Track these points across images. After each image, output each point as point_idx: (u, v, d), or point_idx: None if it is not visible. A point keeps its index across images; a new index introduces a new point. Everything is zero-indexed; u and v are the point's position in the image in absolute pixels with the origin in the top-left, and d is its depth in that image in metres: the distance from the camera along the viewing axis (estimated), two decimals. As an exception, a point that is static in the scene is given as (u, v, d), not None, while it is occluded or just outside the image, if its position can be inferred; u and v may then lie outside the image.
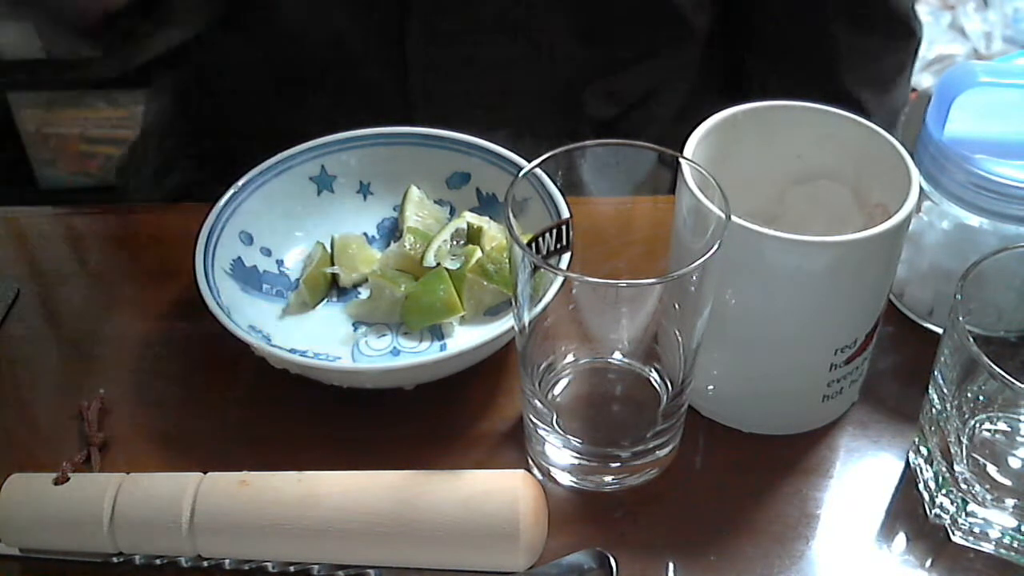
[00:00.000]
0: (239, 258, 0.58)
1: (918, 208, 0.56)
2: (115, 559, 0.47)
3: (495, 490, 0.45)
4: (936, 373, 0.46)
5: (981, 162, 0.51)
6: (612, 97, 0.78)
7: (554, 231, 0.47)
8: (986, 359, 0.41)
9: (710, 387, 0.52)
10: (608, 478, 0.49)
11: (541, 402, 0.48)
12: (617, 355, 0.51)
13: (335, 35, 0.74)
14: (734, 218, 0.43)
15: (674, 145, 0.46)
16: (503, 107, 0.75)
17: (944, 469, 0.47)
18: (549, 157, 0.46)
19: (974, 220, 0.53)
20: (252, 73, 0.79)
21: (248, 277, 0.58)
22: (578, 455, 0.49)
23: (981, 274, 0.45)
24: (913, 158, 0.49)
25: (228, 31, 0.76)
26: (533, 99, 0.77)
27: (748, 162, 0.52)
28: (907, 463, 0.51)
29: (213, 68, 0.81)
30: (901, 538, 0.48)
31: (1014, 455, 0.48)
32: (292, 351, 0.54)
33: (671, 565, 0.47)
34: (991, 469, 0.46)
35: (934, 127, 0.52)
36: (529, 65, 0.75)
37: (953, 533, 0.48)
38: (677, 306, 0.45)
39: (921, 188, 0.53)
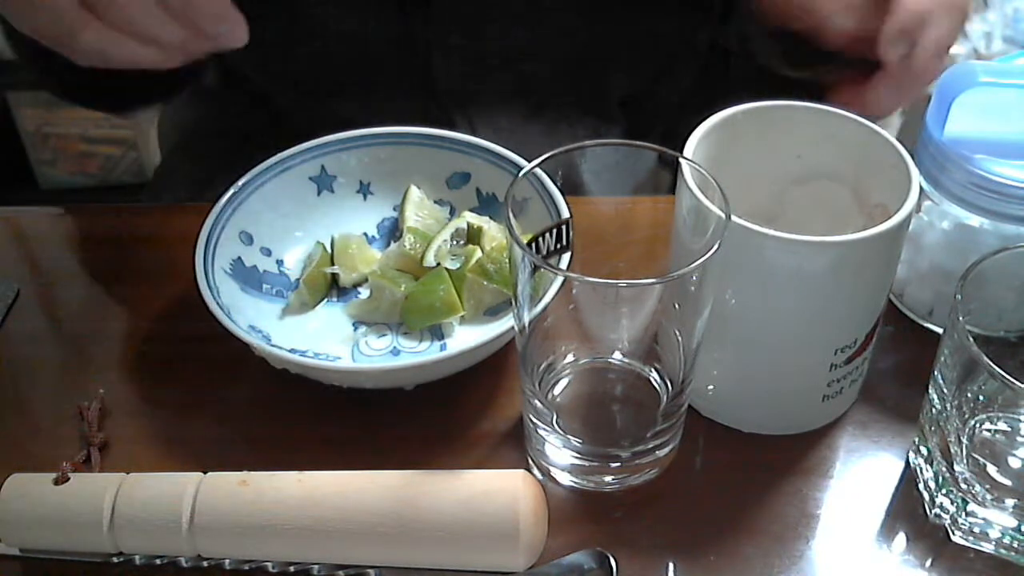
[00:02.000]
0: (239, 258, 0.58)
1: (918, 208, 0.56)
2: (115, 559, 0.47)
3: (495, 490, 0.45)
4: (936, 373, 0.46)
5: (981, 162, 0.51)
6: (629, 73, 0.78)
7: (554, 231, 0.47)
8: (986, 359, 0.41)
9: (710, 387, 0.52)
10: (608, 478, 0.49)
11: (541, 402, 0.48)
12: (617, 355, 0.51)
13: (355, 34, 0.74)
14: (734, 218, 0.43)
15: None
16: (524, 93, 0.75)
17: (944, 469, 0.47)
18: (549, 157, 0.46)
19: (974, 220, 0.53)
20: (275, 83, 0.79)
21: (248, 277, 0.58)
22: (578, 455, 0.49)
23: (981, 274, 0.45)
24: (913, 158, 0.48)
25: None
26: (551, 80, 0.77)
27: (748, 162, 0.52)
28: (907, 463, 0.51)
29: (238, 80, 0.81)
30: (901, 538, 0.48)
31: (1014, 455, 0.48)
32: (292, 351, 0.54)
33: (671, 565, 0.47)
34: (991, 469, 0.46)
35: (934, 127, 0.52)
36: (546, 46, 0.75)
37: (953, 533, 0.48)
38: (677, 306, 0.45)
39: (921, 188, 0.53)
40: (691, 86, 0.80)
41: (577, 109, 0.76)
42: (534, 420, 0.49)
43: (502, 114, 0.71)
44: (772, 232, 0.44)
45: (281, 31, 0.76)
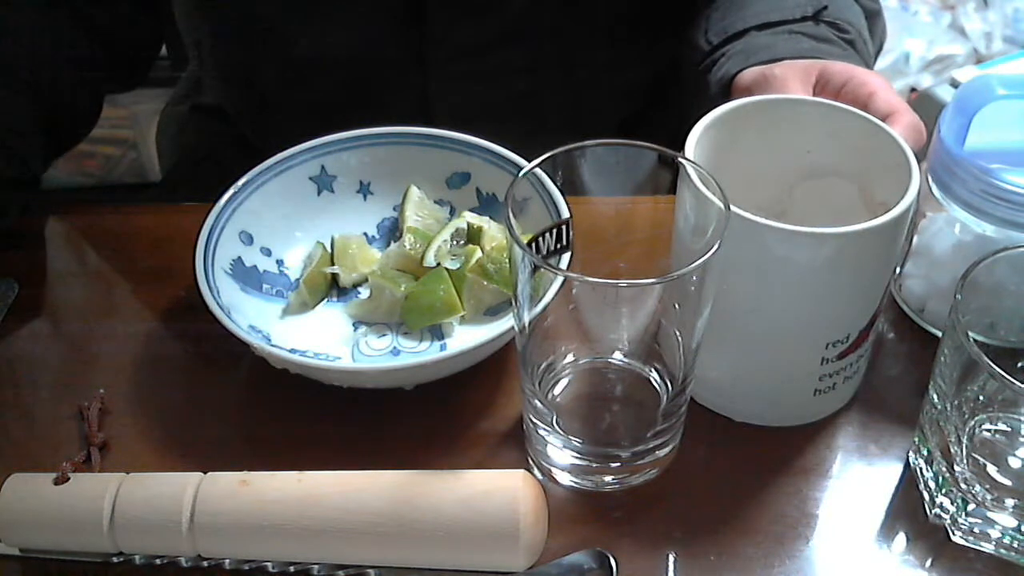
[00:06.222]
0: (239, 258, 0.58)
1: (921, 212, 0.56)
2: (115, 559, 0.47)
3: (495, 490, 0.45)
4: (936, 373, 0.46)
5: (998, 172, 0.50)
6: (626, 94, 0.78)
7: (554, 231, 0.47)
8: (986, 359, 0.41)
9: (702, 373, 0.51)
10: (608, 478, 0.49)
11: (541, 402, 0.48)
12: (617, 355, 0.51)
13: (353, 58, 0.74)
14: (734, 208, 0.43)
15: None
16: (521, 117, 0.75)
17: (944, 469, 0.47)
18: (549, 157, 0.46)
19: (994, 232, 0.52)
20: (273, 105, 0.80)
21: (248, 277, 0.58)
22: (578, 455, 0.49)
23: (982, 275, 0.45)
24: (919, 163, 0.48)
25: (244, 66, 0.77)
26: (550, 107, 0.77)
27: (753, 157, 0.52)
28: (907, 463, 0.51)
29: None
30: (901, 538, 0.48)
31: (1014, 455, 0.48)
32: (292, 351, 0.54)
33: (671, 565, 0.47)
34: (991, 469, 0.46)
35: (950, 140, 0.51)
36: (544, 71, 0.75)
37: (953, 533, 0.48)
38: (677, 306, 0.45)
39: (938, 199, 0.53)
40: (689, 108, 0.81)
41: (576, 132, 0.77)
42: (534, 420, 0.49)
43: (500, 136, 0.72)
44: (771, 223, 0.44)
45: (278, 65, 0.77)
